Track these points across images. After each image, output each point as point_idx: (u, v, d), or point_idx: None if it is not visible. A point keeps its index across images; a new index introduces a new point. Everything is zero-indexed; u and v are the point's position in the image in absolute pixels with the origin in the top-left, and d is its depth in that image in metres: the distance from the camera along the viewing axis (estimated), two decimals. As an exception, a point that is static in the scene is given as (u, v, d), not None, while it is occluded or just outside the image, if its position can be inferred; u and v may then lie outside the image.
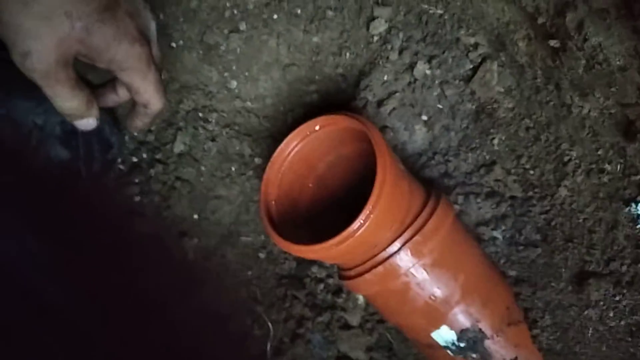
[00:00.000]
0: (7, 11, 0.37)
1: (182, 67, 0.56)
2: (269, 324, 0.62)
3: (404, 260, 0.47)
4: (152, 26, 0.46)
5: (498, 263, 0.53)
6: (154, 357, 0.53)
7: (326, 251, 0.44)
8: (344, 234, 0.43)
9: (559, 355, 0.50)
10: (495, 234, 0.53)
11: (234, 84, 0.55)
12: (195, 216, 0.58)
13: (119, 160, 0.54)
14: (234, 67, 0.54)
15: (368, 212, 0.43)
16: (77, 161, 0.49)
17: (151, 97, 0.45)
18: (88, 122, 0.45)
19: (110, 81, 0.48)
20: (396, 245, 0.47)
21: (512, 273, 0.52)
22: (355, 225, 0.43)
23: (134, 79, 0.44)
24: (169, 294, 0.57)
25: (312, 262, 0.63)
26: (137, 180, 0.55)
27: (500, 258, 0.52)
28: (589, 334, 0.49)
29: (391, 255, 0.47)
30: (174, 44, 0.54)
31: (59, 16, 0.38)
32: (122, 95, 0.48)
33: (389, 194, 0.43)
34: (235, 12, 0.52)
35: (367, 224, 0.43)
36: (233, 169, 0.59)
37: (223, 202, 0.60)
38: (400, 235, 0.47)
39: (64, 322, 0.40)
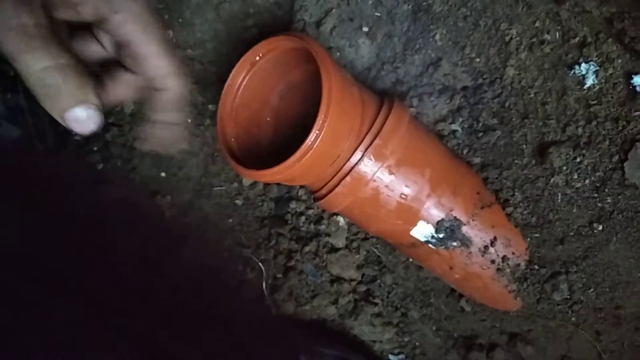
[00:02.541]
0: None
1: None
2: (260, 264, 0.63)
3: (369, 165, 0.48)
4: None
5: (462, 154, 0.54)
6: (153, 317, 0.54)
7: (290, 169, 0.45)
8: (302, 147, 0.43)
9: (535, 227, 0.52)
10: (454, 126, 0.54)
11: (170, 33, 0.54)
12: (163, 174, 0.59)
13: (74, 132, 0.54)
14: (166, 17, 0.54)
15: (321, 121, 0.43)
16: (29, 137, 0.48)
17: (158, 65, 0.31)
18: (87, 113, 0.30)
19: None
20: (358, 153, 0.48)
21: (477, 160, 0.53)
22: (312, 136, 0.43)
23: (132, 30, 0.31)
24: (155, 253, 0.58)
25: (290, 199, 0.64)
26: (95, 148, 0.54)
27: (463, 148, 0.54)
28: (559, 200, 0.51)
29: (356, 164, 0.48)
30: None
31: None
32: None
33: (338, 100, 0.44)
34: (153, -45, 0.51)
35: (322, 134, 0.43)
36: (189, 120, 0.59)
37: (188, 156, 0.61)
38: (360, 143, 0.48)
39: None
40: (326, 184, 0.51)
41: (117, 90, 0.35)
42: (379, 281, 0.62)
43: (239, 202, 0.65)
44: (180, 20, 0.54)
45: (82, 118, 0.31)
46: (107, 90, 0.35)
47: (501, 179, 0.53)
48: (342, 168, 0.49)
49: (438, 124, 0.54)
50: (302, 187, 0.64)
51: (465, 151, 0.54)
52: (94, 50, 0.35)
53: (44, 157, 0.50)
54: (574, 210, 0.50)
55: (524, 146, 0.52)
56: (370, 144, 0.48)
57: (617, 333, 0.50)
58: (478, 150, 0.53)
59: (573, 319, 0.51)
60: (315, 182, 0.51)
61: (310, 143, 0.43)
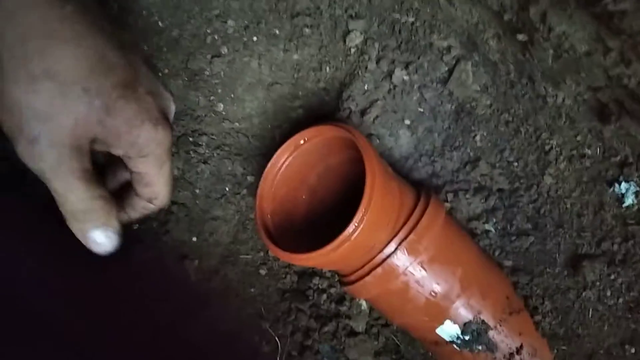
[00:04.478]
0: (11, 91, 0.30)
1: (169, 95, 0.58)
2: (277, 339, 0.62)
3: (401, 259, 0.48)
4: (172, 108, 0.40)
5: (493, 255, 0.54)
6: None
7: (325, 257, 0.45)
8: (340, 238, 0.44)
9: (562, 339, 0.51)
10: (487, 227, 0.54)
11: (220, 106, 0.57)
12: (194, 238, 0.59)
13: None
14: (219, 91, 0.56)
15: (361, 214, 0.44)
16: None
17: (161, 192, 0.40)
18: (107, 236, 0.37)
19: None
20: (392, 245, 0.48)
21: (508, 263, 0.53)
22: (350, 228, 0.44)
23: (151, 168, 0.37)
24: (176, 316, 0.58)
25: (313, 274, 0.64)
26: (134, 209, 0.56)
27: (495, 250, 0.54)
28: (589, 315, 0.50)
29: (388, 256, 0.48)
30: (159, 74, 0.56)
31: (75, 93, 0.31)
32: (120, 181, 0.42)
33: (379, 195, 0.45)
34: (216, 37, 0.54)
35: (361, 226, 0.44)
36: (227, 189, 0.61)
37: (220, 223, 0.61)
38: (395, 236, 0.48)
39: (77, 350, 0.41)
40: (355, 270, 0.51)
41: (131, 214, 0.43)
42: (395, 372, 0.61)
43: (262, 271, 0.65)
44: (232, 95, 0.56)
45: (101, 240, 0.37)
46: (125, 212, 0.42)
47: (532, 285, 0.52)
48: (374, 258, 0.49)
49: (472, 221, 0.55)
50: (328, 266, 0.64)
51: (497, 252, 0.54)
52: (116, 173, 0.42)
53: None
54: (605, 328, 0.49)
55: (557, 255, 0.52)
56: (405, 237, 0.48)
57: None
58: (510, 253, 0.53)
59: None
60: (345, 269, 0.51)
61: (348, 234, 0.44)
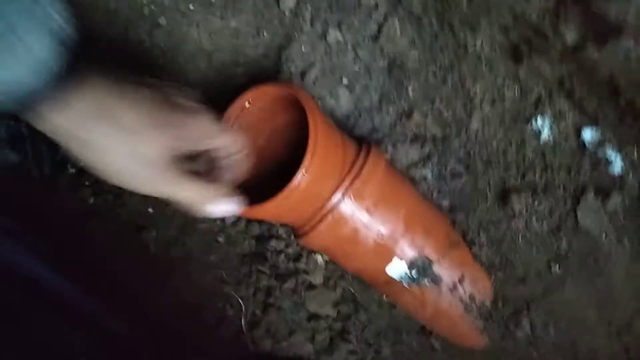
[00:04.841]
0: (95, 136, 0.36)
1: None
2: (240, 301, 0.65)
3: (349, 206, 0.52)
4: (194, 95, 0.46)
5: (431, 197, 0.58)
6: (135, 351, 0.56)
7: (279, 207, 0.48)
8: (290, 186, 0.47)
9: (499, 267, 0.56)
10: (425, 172, 0.59)
11: (163, 78, 0.58)
12: (150, 209, 0.61)
13: (69, 164, 0.56)
14: (160, 62, 0.58)
15: (307, 162, 0.47)
16: (27, 164, 0.50)
17: (229, 140, 0.45)
18: (227, 203, 0.43)
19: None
20: (339, 194, 0.52)
21: (446, 203, 0.58)
22: (299, 175, 0.47)
23: (218, 139, 0.44)
24: (140, 288, 0.59)
25: (270, 237, 0.67)
26: (87, 183, 0.57)
27: (433, 192, 0.58)
28: (519, 242, 0.55)
29: (337, 204, 0.52)
30: (98, 45, 0.57)
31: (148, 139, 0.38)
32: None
33: (323, 143, 0.48)
34: (153, 7, 0.55)
35: (308, 174, 0.47)
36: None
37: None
38: (341, 185, 0.52)
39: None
40: (308, 222, 0.54)
41: (227, 175, 0.48)
42: (353, 318, 0.65)
43: (221, 239, 0.67)
44: (175, 66, 0.58)
45: (226, 208, 0.44)
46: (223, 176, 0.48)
47: (467, 221, 0.57)
48: (323, 207, 0.52)
49: (410, 169, 0.59)
50: (282, 225, 0.67)
51: (434, 194, 0.58)
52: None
53: (39, 185, 0.52)
54: (534, 252, 0.55)
55: (488, 191, 0.57)
56: (350, 185, 0.52)
57: (575, 367, 0.54)
58: (446, 194, 0.58)
59: (535, 355, 0.55)
60: (298, 221, 0.55)
61: (297, 182, 0.47)
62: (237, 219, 0.68)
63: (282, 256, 0.66)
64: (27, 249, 0.45)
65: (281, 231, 0.67)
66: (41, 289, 0.45)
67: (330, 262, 0.66)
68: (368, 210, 0.53)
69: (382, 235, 0.53)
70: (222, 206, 0.43)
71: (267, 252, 0.66)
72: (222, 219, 0.67)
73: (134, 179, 0.39)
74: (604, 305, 0.51)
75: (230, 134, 0.45)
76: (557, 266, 0.54)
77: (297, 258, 0.65)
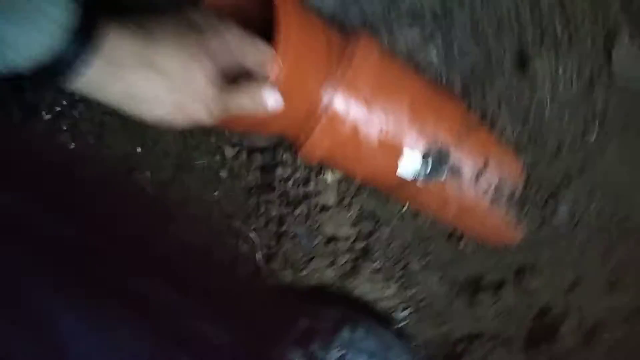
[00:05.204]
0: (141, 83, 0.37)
1: None
2: (251, 234, 0.61)
3: (342, 100, 0.46)
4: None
5: (441, 82, 0.51)
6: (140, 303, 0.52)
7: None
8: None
9: (527, 146, 0.49)
10: (430, 55, 0.52)
11: None
12: (139, 149, 0.57)
13: (44, 110, 0.52)
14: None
15: (280, 51, 0.41)
16: None
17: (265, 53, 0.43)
18: (275, 94, 0.42)
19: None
20: (329, 89, 0.46)
21: (458, 86, 0.51)
22: (275, 68, 0.41)
23: (254, 51, 0.42)
24: (142, 231, 0.56)
25: (275, 165, 0.62)
26: (65, 127, 0.53)
27: (442, 76, 0.51)
28: (547, 113, 0.48)
29: (329, 102, 0.46)
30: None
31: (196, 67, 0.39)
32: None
33: (298, 31, 0.42)
34: None
35: (285, 66, 0.41)
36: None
37: (162, 132, 0.59)
38: (330, 78, 0.46)
39: None
40: (303, 129, 0.48)
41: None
42: (375, 236, 0.59)
43: (223, 174, 0.63)
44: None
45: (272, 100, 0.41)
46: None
47: (485, 100, 0.50)
48: (315, 108, 0.46)
49: (413, 55, 0.52)
50: (286, 150, 0.61)
51: (444, 78, 0.51)
52: None
53: (13, 130, 0.49)
54: (565, 121, 0.48)
55: (503, 62, 0.49)
56: (342, 77, 0.46)
57: (627, 247, 0.47)
58: (457, 75, 0.51)
59: (578, 242, 0.48)
60: (292, 128, 0.49)
61: (274, 75, 0.41)
62: (238, 152, 0.63)
63: (290, 183, 0.61)
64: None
65: (286, 156, 0.61)
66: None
67: (343, 181, 0.60)
68: (365, 103, 0.46)
69: (387, 129, 0.47)
70: (275, 97, 0.41)
71: (274, 182, 0.61)
72: (222, 153, 0.63)
73: (190, 114, 0.39)
74: (657, 165, 0.43)
75: (259, 43, 0.43)
76: (594, 132, 0.46)
77: (305, 182, 0.60)
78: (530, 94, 0.48)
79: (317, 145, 0.48)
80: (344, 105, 0.46)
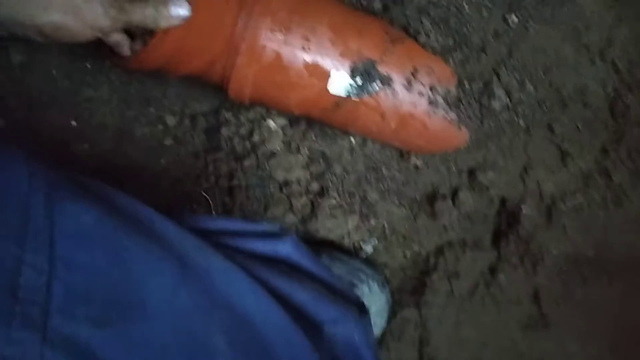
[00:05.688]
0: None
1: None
2: (203, 193, 0.59)
3: (257, 24, 0.46)
4: None
5: (361, 7, 0.51)
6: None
7: (174, 37, 0.42)
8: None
9: (454, 47, 0.49)
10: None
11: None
12: (74, 122, 0.56)
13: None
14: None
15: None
16: None
17: None
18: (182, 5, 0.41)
19: None
20: (243, 15, 0.45)
21: (378, 5, 0.51)
22: None
23: None
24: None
25: (219, 127, 0.61)
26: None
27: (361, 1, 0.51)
28: (467, 11, 0.48)
29: (244, 28, 0.45)
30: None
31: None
32: None
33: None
34: None
35: None
36: (88, 66, 0.57)
37: (97, 104, 0.58)
38: (242, 4, 0.45)
39: None
40: (225, 62, 0.48)
41: None
42: (328, 174, 0.59)
43: (168, 142, 0.62)
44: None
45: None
46: None
47: (405, 13, 0.50)
48: (234, 37, 0.46)
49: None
50: (229, 112, 0.60)
51: (364, 2, 0.51)
52: None
53: None
54: (484, 13, 0.48)
55: (418, -27, 0.49)
56: (254, 2, 0.45)
57: (568, 116, 0.47)
58: (376, -6, 0.51)
59: (522, 122, 0.48)
60: (214, 66, 0.48)
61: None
62: (180, 119, 0.62)
63: (236, 139, 0.60)
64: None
65: (228, 116, 0.61)
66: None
67: (288, 127, 0.60)
68: (282, 26, 0.46)
69: (309, 49, 0.47)
70: (182, 7, 0.41)
71: (220, 142, 0.60)
72: (164, 122, 0.62)
73: (84, 17, 0.37)
74: (577, 32, 0.43)
75: None
76: (514, 15, 0.46)
77: (250, 134, 0.59)
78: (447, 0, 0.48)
79: (243, 77, 0.48)
80: (261, 30, 0.46)
